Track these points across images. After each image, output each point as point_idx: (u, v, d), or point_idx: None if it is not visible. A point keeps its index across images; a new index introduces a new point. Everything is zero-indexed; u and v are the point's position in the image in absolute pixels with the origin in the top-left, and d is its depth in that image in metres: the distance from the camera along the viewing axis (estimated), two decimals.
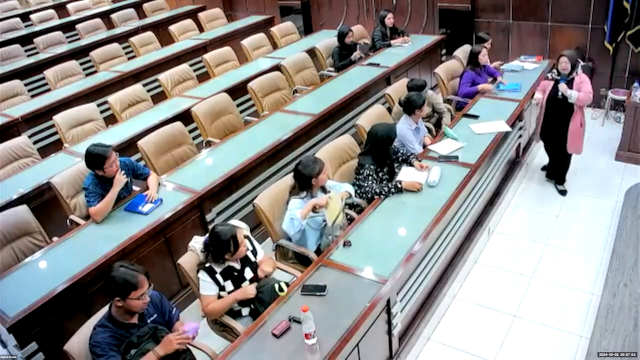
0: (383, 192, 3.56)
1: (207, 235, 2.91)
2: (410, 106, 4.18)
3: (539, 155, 5.44)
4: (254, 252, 3.04)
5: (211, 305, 2.82)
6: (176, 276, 3.67)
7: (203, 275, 2.84)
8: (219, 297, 2.85)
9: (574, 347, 3.24)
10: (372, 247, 3.10)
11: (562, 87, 4.36)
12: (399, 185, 3.57)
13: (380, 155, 3.70)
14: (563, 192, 4.77)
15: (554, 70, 4.55)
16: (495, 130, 4.29)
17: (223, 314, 2.87)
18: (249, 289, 2.85)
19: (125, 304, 2.38)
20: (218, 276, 2.84)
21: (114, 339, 2.38)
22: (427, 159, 3.96)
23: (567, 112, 4.47)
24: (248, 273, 2.94)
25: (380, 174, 3.70)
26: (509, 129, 4.35)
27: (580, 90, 4.34)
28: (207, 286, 2.83)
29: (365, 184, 3.60)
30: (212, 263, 2.84)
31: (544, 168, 5.12)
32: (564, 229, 4.31)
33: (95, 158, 3.52)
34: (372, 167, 3.64)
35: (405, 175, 3.75)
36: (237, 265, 2.91)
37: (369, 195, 3.58)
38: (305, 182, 3.27)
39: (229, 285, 2.86)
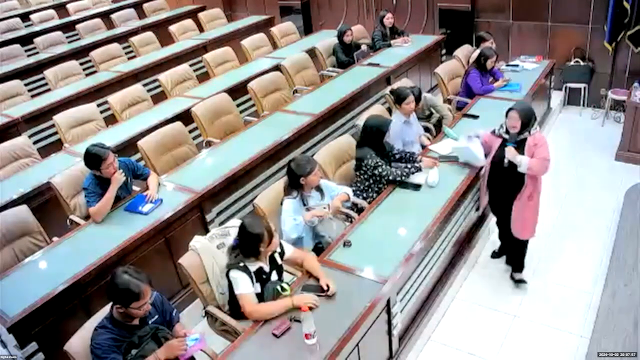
0: (404, 174, 3.58)
1: (236, 234, 2.81)
2: (397, 96, 4.25)
3: None
4: (281, 254, 2.94)
5: (257, 307, 2.66)
6: (176, 276, 3.66)
7: (237, 274, 2.70)
8: None
9: (574, 347, 3.24)
10: (372, 247, 3.10)
11: (510, 153, 3.35)
12: (418, 165, 3.64)
13: (373, 145, 3.69)
14: (521, 282, 3.75)
15: (502, 125, 3.51)
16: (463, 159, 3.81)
17: (270, 317, 2.66)
18: (309, 298, 2.68)
19: (126, 311, 2.37)
20: (252, 275, 2.74)
21: (115, 340, 2.37)
22: (429, 158, 3.96)
23: (517, 183, 3.43)
24: (274, 276, 2.86)
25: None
26: (482, 163, 3.68)
27: (534, 155, 3.33)
28: (246, 283, 2.68)
29: (380, 170, 3.59)
30: (246, 261, 2.73)
31: (494, 254, 4.05)
32: (564, 228, 4.30)
33: (92, 158, 3.53)
34: (373, 154, 3.64)
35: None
36: (267, 268, 2.82)
37: (390, 178, 3.59)
38: (294, 180, 3.26)
39: (257, 288, 2.76)
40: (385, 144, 3.77)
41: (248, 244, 2.72)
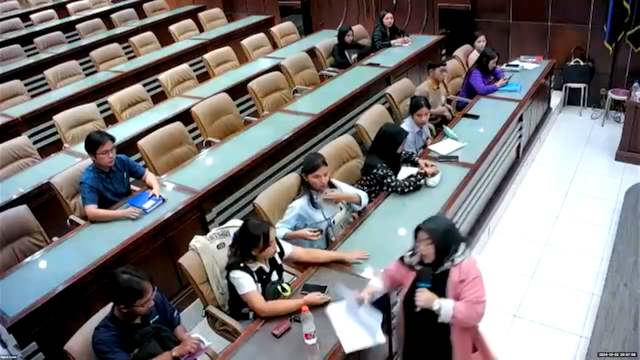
0: (411, 184, 3.55)
1: (237, 230, 2.83)
2: (411, 105, 4.27)
3: (540, 154, 5.45)
4: (281, 254, 2.94)
5: (267, 305, 2.64)
6: (176, 276, 3.66)
7: (239, 274, 2.68)
8: None
9: (574, 347, 3.24)
10: (372, 247, 3.10)
11: (422, 297, 2.28)
12: (422, 171, 3.60)
13: (385, 154, 3.68)
14: None
15: (414, 250, 2.41)
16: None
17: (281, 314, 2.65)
18: (316, 297, 2.66)
19: (131, 310, 2.37)
20: (254, 275, 2.74)
21: (117, 338, 2.37)
22: (427, 159, 3.96)
23: (439, 335, 2.37)
24: (274, 277, 2.86)
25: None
26: (375, 341, 2.46)
27: (461, 296, 2.28)
28: (249, 282, 2.67)
29: (389, 180, 3.57)
30: (245, 262, 2.73)
31: None
32: (564, 229, 4.30)
33: (90, 142, 3.57)
34: (384, 165, 3.62)
35: (404, 175, 3.74)
36: (267, 268, 2.83)
37: (398, 190, 3.56)
38: (302, 175, 3.28)
39: (258, 288, 2.75)
40: (398, 154, 3.74)
41: (243, 244, 2.72)
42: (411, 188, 3.55)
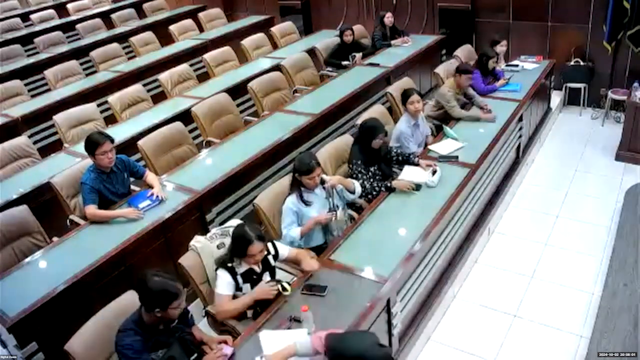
0: (374, 191, 3.56)
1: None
2: (402, 95, 4.27)
3: (540, 154, 5.45)
4: (275, 256, 2.95)
5: (226, 305, 2.74)
6: (176, 276, 3.64)
7: (223, 273, 2.74)
8: (233, 297, 2.78)
9: (574, 347, 3.24)
10: (372, 247, 3.10)
11: None
12: (388, 185, 3.58)
13: (362, 146, 3.70)
14: None
15: None
16: None
17: (236, 314, 2.77)
18: (267, 289, 2.70)
19: (165, 314, 2.31)
20: (239, 277, 2.77)
21: (143, 342, 2.33)
22: (427, 159, 3.96)
23: None
24: (266, 277, 2.88)
25: (372, 169, 3.70)
26: None
27: None
28: (225, 285, 2.74)
29: (359, 181, 3.61)
30: (235, 264, 2.76)
31: None
32: (564, 229, 4.30)
33: (89, 143, 3.58)
34: (359, 162, 3.65)
35: (407, 174, 3.74)
36: (258, 269, 2.85)
37: (362, 193, 3.59)
38: (293, 174, 3.29)
39: (246, 288, 2.79)
40: (379, 148, 3.75)
41: (232, 247, 2.77)
42: (369, 197, 3.58)
